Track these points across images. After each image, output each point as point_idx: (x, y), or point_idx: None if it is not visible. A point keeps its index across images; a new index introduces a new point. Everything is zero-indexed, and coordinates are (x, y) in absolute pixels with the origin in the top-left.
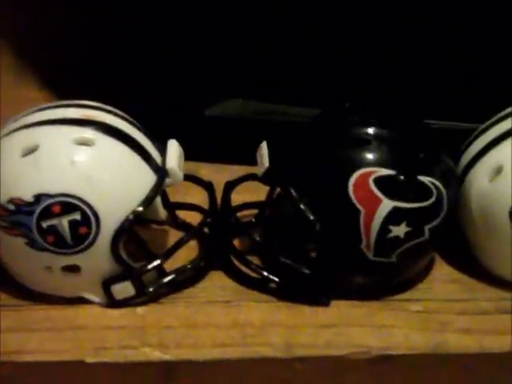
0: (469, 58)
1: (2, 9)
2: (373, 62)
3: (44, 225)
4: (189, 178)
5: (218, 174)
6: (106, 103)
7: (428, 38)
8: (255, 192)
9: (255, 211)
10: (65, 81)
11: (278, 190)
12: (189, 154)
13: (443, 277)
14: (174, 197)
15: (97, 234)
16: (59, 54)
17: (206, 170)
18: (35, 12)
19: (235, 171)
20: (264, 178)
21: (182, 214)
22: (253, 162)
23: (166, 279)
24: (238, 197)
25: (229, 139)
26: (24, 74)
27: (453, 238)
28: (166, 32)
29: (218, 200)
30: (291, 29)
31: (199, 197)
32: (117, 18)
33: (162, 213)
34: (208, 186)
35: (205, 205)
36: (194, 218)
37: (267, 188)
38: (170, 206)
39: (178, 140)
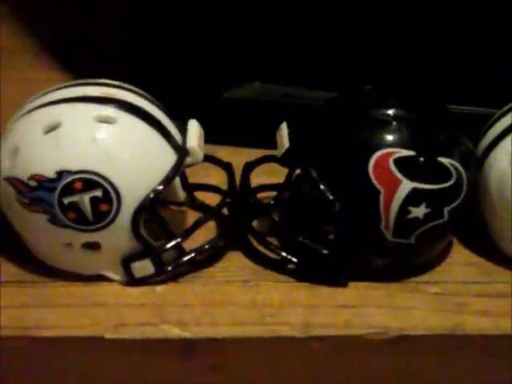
0: (488, 43)
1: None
2: (392, 45)
3: (65, 201)
4: (208, 158)
5: (236, 156)
6: (124, 82)
7: (448, 23)
8: (274, 175)
9: (273, 193)
10: (80, 62)
11: (297, 171)
12: (206, 136)
13: (461, 259)
14: (193, 178)
15: (117, 211)
16: (74, 36)
17: (223, 153)
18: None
19: (252, 154)
20: (284, 159)
21: (201, 196)
22: (270, 145)
23: (185, 258)
24: (256, 179)
25: (246, 122)
26: (38, 55)
27: (471, 220)
28: (185, 14)
29: (237, 182)
30: (309, 11)
31: (218, 178)
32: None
33: (181, 194)
34: (227, 167)
35: (223, 186)
36: (212, 199)
37: (285, 171)
38: (189, 187)
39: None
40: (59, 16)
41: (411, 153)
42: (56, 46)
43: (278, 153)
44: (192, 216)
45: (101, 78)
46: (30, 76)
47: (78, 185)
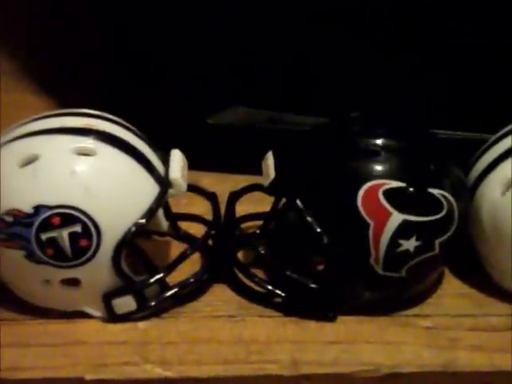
0: (479, 67)
1: (1, 14)
2: (380, 70)
3: (43, 237)
4: (192, 188)
5: (221, 183)
6: (107, 111)
7: (435, 47)
8: (259, 202)
9: (259, 222)
10: (64, 88)
11: (284, 200)
12: (191, 163)
13: (452, 291)
14: (176, 207)
15: (98, 246)
16: (58, 61)
17: (208, 179)
18: (35, 17)
19: (238, 180)
20: (270, 189)
21: (184, 225)
22: (256, 171)
23: (169, 293)
24: (241, 207)
25: (231, 148)
26: (21, 79)
27: (462, 251)
28: (167, 39)
29: (221, 210)
30: (295, 36)
31: (201, 206)
32: (119, 27)
33: (164, 224)
34: (211, 197)
35: (207, 215)
36: (196, 228)
37: (271, 198)
38: (172, 217)
39: (180, 148)
40: (43, 39)
41: (401, 184)
42: (36, 71)
43: (264, 182)
44: (175, 247)
45: (81, 104)
46: (8, 101)
47: (56, 220)
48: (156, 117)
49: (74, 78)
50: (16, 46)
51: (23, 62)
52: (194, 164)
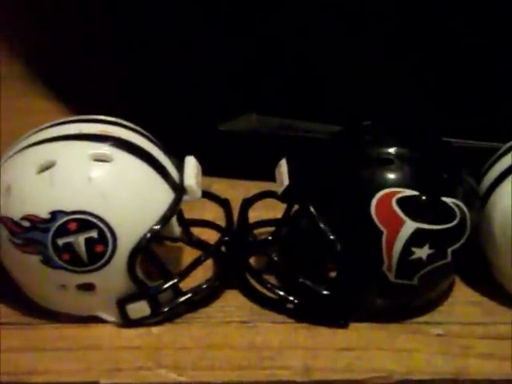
0: (492, 76)
1: (15, 20)
2: (393, 78)
3: (60, 242)
4: (205, 194)
5: (233, 189)
6: (119, 117)
7: (448, 55)
8: (271, 209)
9: (272, 229)
10: (76, 94)
11: (296, 207)
12: (203, 169)
13: (464, 299)
14: (189, 212)
15: (113, 252)
16: (71, 66)
17: (219, 185)
18: (48, 23)
19: (249, 187)
20: (283, 197)
21: (197, 230)
22: (266, 177)
23: (182, 299)
24: (253, 213)
25: (242, 154)
26: (35, 85)
27: (473, 259)
28: (180, 46)
29: (234, 216)
30: (307, 44)
31: (214, 212)
32: (131, 33)
33: (177, 230)
34: (224, 203)
35: (220, 221)
36: (208, 234)
37: (283, 205)
38: (185, 223)
39: (192, 154)
40: (59, 45)
41: (414, 192)
42: (54, 76)
43: (278, 190)
44: (188, 252)
45: (97, 112)
46: (23, 106)
47: (73, 225)
48: (169, 123)
49: (85, 84)
50: (23, 50)
51: (32, 67)
52: (205, 170)
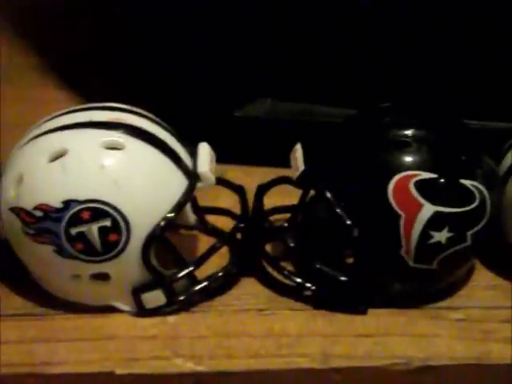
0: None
1: (25, 10)
2: (410, 59)
3: (73, 232)
4: (219, 181)
5: (247, 176)
6: (133, 105)
7: (465, 35)
8: (286, 195)
9: (287, 215)
10: (87, 82)
11: (312, 193)
12: (217, 156)
13: (484, 283)
14: (203, 199)
15: (127, 241)
16: (83, 55)
17: (233, 172)
18: (59, 13)
19: (264, 173)
20: (299, 182)
21: (211, 218)
22: (282, 163)
23: (198, 287)
24: (268, 200)
25: (258, 140)
26: (42, 74)
27: (493, 241)
28: (194, 31)
29: (249, 203)
30: (323, 26)
31: (229, 199)
32: (144, 18)
33: (192, 217)
34: (239, 190)
35: (234, 208)
36: (223, 222)
37: (299, 191)
38: (200, 211)
39: (206, 141)
40: (68, 33)
41: (432, 175)
42: (64, 65)
43: (293, 175)
44: (203, 240)
45: (109, 100)
46: (34, 96)
47: (86, 214)
48: (182, 109)
49: (98, 72)
50: (34, 41)
51: (43, 57)
52: (220, 157)
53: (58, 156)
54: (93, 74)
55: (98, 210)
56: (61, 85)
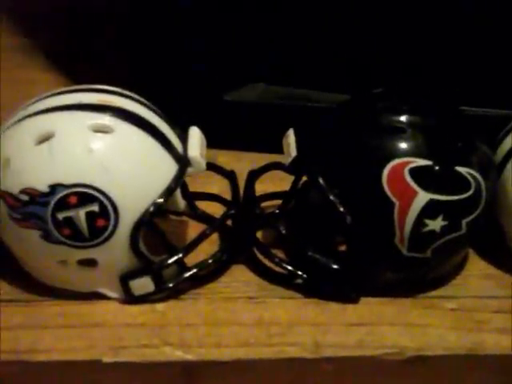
0: (505, 43)
1: None
2: (402, 43)
3: (60, 216)
4: (209, 166)
5: (238, 161)
6: (120, 87)
7: (461, 21)
8: (278, 181)
9: (279, 202)
10: (76, 63)
11: (304, 179)
12: (208, 141)
13: (478, 272)
14: (193, 185)
15: (115, 226)
16: (70, 36)
17: (225, 158)
18: None
19: (256, 159)
20: (291, 168)
21: (202, 204)
22: (273, 149)
23: (187, 274)
24: (260, 186)
25: (248, 125)
26: (31, 55)
27: (488, 230)
28: (185, 16)
29: (240, 189)
30: (314, 9)
31: (219, 185)
32: (134, 2)
33: (182, 203)
34: (230, 176)
35: (225, 194)
36: (214, 208)
37: (290, 178)
38: (190, 196)
39: (197, 126)
40: (57, 14)
41: (427, 162)
42: (53, 47)
43: (285, 161)
44: (193, 226)
45: (98, 82)
46: (22, 77)
47: (73, 199)
48: (172, 93)
49: (88, 54)
50: (26, 21)
51: (31, 38)
52: (210, 142)
53: (45, 139)
54: (82, 56)
55: (85, 195)
56: (49, 66)
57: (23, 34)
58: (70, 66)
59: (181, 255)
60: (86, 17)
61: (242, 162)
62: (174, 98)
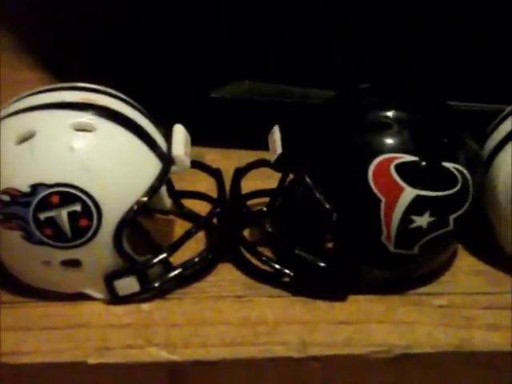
0: (494, 36)
1: None
2: (389, 39)
3: (41, 217)
4: (195, 164)
5: (225, 159)
6: (107, 86)
7: (449, 15)
8: (265, 179)
9: (266, 199)
10: (63, 62)
11: (291, 176)
12: (194, 139)
13: (467, 268)
14: (179, 184)
15: (98, 226)
16: (59, 35)
17: (212, 155)
18: None
19: (243, 156)
20: (277, 165)
21: (188, 202)
22: (261, 146)
23: (173, 273)
24: (247, 184)
25: (235, 122)
26: (19, 55)
27: (476, 225)
28: (170, 12)
29: (226, 187)
30: (301, 8)
31: (206, 183)
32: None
33: (167, 202)
34: (216, 173)
35: (211, 192)
36: (200, 206)
37: (278, 175)
38: (175, 195)
39: (182, 123)
40: (41, 13)
41: (414, 158)
42: (37, 46)
43: (271, 158)
44: (179, 225)
45: (83, 81)
46: (5, 76)
47: (55, 199)
48: (157, 90)
49: (74, 52)
50: (15, 20)
51: (15, 38)
52: (197, 139)
53: (26, 138)
54: (66, 55)
55: (67, 194)
56: (34, 66)
57: (6, 33)
58: (54, 65)
59: (166, 254)
60: (71, 16)
61: (230, 160)
62: (161, 95)
